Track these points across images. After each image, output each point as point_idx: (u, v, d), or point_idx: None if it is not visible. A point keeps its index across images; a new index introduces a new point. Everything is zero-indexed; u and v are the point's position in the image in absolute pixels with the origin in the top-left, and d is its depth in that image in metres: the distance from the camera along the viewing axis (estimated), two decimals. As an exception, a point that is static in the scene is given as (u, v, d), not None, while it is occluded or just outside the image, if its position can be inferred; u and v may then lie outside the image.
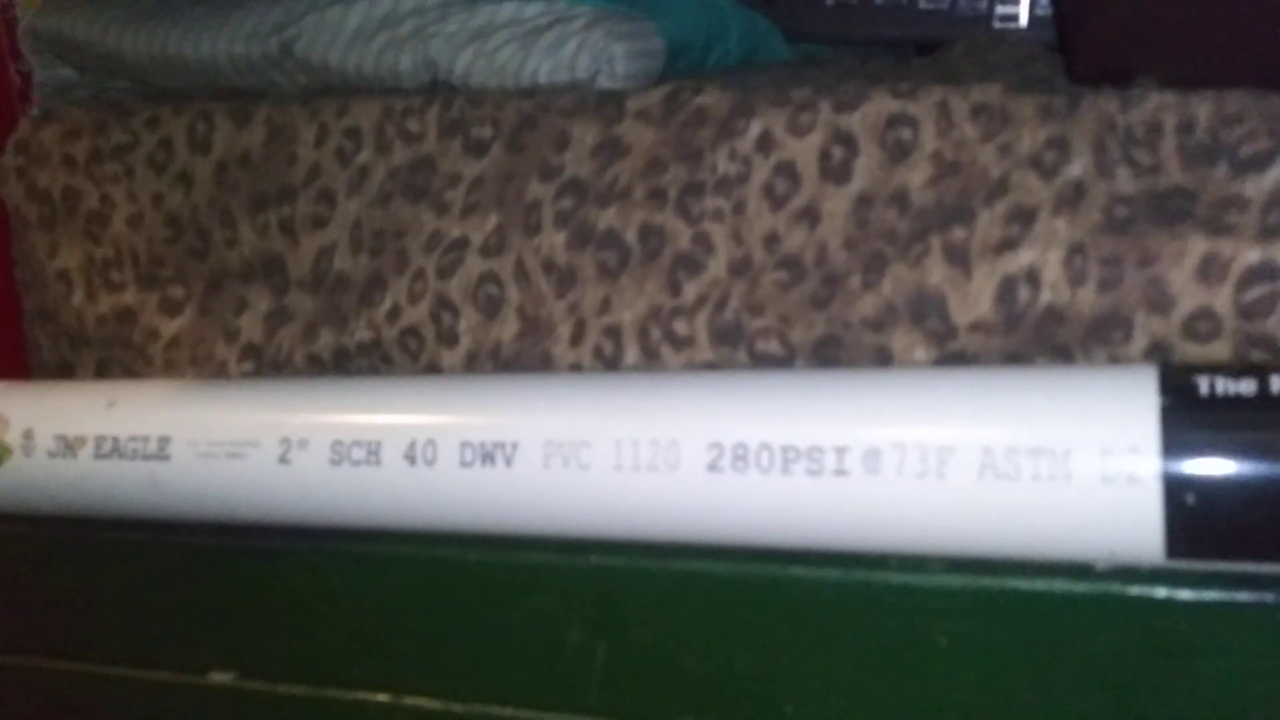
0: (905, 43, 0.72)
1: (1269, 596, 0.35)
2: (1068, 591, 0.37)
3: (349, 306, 0.55)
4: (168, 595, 0.52)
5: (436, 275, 0.53)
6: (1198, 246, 0.41)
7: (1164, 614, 0.36)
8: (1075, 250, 0.43)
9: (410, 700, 0.47)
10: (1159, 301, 0.42)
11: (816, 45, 0.74)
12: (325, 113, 0.56)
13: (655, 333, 0.49)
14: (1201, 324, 0.41)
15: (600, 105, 0.51)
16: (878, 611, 0.40)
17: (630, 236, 0.49)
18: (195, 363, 0.58)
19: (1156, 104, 0.43)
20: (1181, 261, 0.41)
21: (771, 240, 0.47)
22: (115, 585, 0.52)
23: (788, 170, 0.47)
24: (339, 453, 0.45)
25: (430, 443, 0.43)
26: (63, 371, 0.63)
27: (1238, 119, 0.42)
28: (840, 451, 0.38)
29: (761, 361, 0.47)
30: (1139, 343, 0.42)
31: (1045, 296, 0.43)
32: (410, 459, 0.43)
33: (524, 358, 0.51)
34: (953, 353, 0.44)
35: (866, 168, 0.46)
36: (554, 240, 0.51)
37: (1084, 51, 0.48)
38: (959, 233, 0.44)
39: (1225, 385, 0.35)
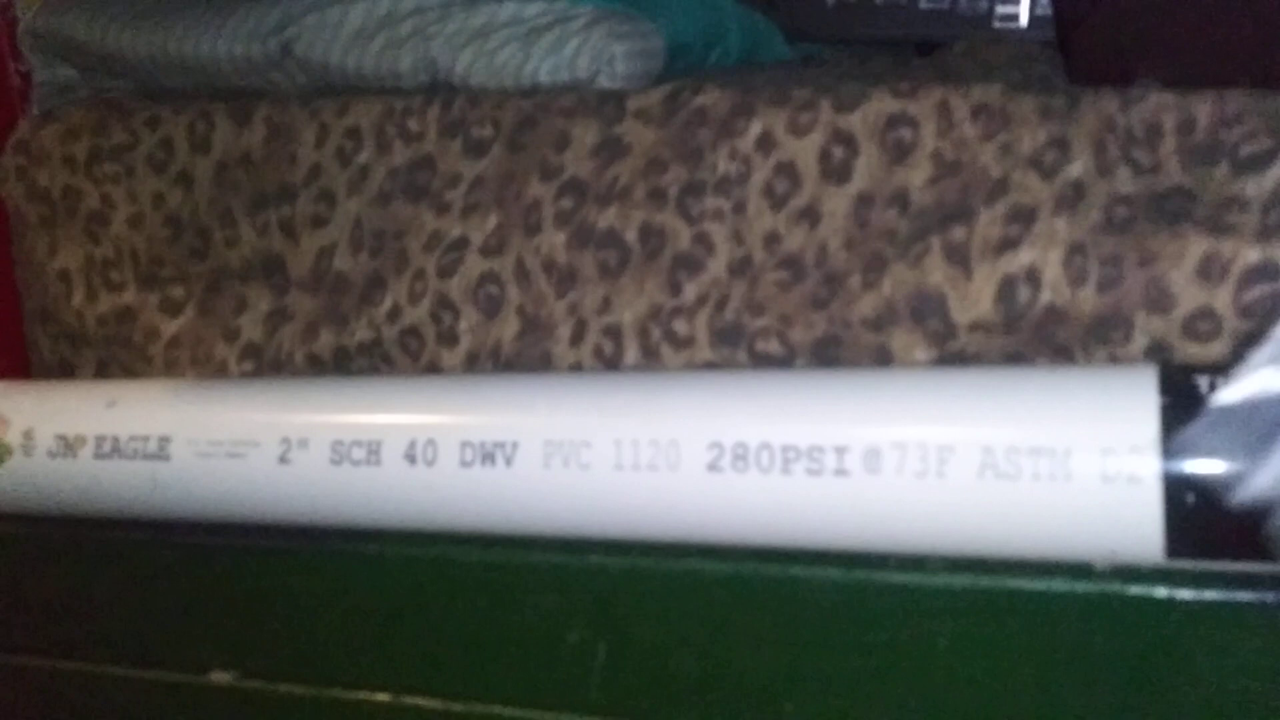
0: (905, 43, 0.72)
1: (1269, 596, 0.35)
2: (1068, 591, 0.37)
3: (349, 306, 0.55)
4: (168, 595, 0.52)
5: (437, 275, 0.53)
6: (1198, 246, 0.41)
7: (1164, 614, 0.36)
8: (1075, 250, 0.43)
9: (410, 700, 0.47)
10: (1159, 301, 0.42)
11: (816, 45, 0.74)
12: (325, 113, 0.56)
13: (655, 332, 0.49)
14: (1201, 324, 0.41)
15: (600, 105, 0.51)
16: (878, 611, 0.40)
17: (630, 236, 0.49)
18: (195, 362, 0.58)
19: (1156, 104, 0.43)
20: (1181, 261, 0.41)
21: (771, 240, 0.47)
22: (115, 585, 0.52)
23: (788, 170, 0.47)
24: (339, 452, 0.45)
25: (430, 442, 0.43)
26: (63, 371, 0.63)
27: (1238, 119, 0.42)
28: (840, 451, 0.38)
29: (761, 361, 0.47)
30: (1139, 343, 0.42)
31: (1045, 296, 0.43)
32: (410, 459, 0.43)
33: (524, 357, 0.51)
34: (953, 353, 0.44)
35: (866, 167, 0.46)
36: (554, 240, 0.51)
37: (1084, 51, 0.48)
38: (959, 232, 0.44)
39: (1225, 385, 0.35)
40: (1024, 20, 0.66)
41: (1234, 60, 0.43)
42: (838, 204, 0.46)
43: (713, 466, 0.40)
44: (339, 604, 0.48)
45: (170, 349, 0.59)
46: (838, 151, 0.46)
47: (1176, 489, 0.35)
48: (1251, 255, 0.41)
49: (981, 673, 0.39)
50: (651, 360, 0.49)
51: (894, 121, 0.46)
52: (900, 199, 0.45)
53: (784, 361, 0.47)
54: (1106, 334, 0.42)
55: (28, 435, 0.50)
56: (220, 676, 0.50)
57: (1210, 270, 0.41)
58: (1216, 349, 0.41)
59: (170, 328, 0.59)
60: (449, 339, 0.52)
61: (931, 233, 0.45)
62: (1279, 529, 0.20)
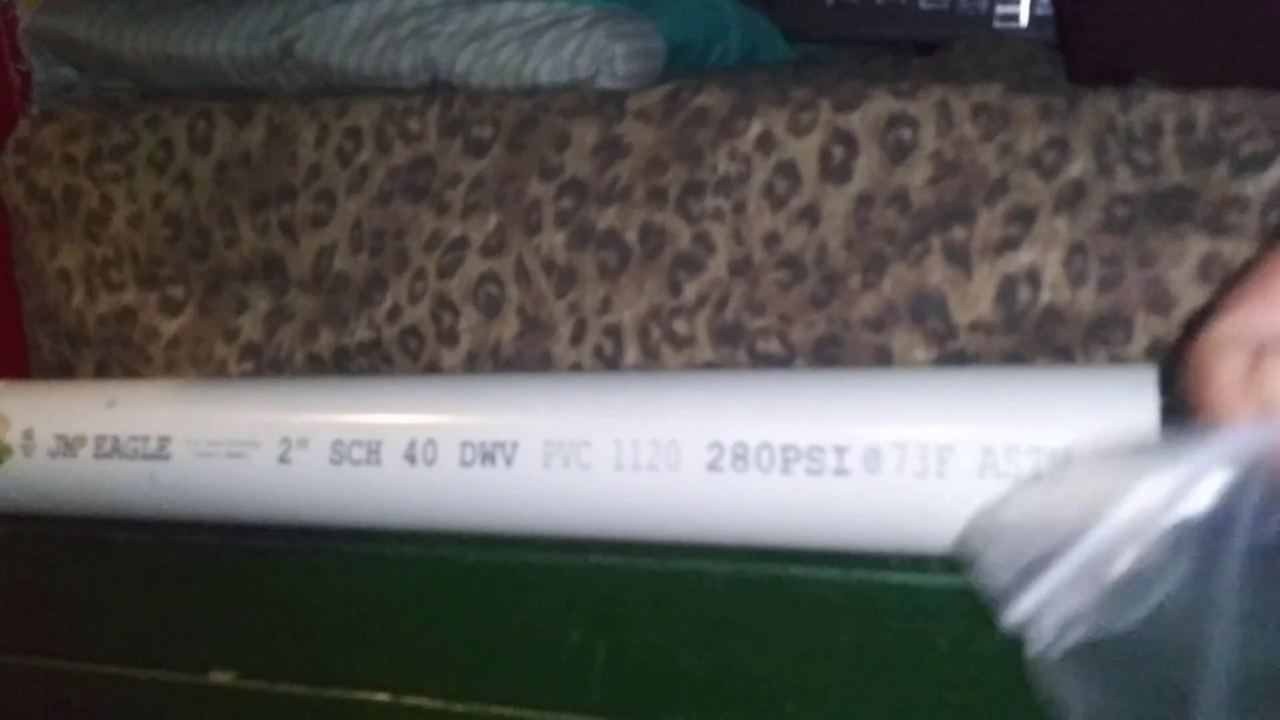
0: (905, 43, 0.72)
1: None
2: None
3: (349, 306, 0.55)
4: (168, 595, 0.52)
5: (437, 275, 0.53)
6: (1198, 246, 0.41)
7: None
8: (1075, 250, 0.43)
9: (410, 700, 0.47)
10: (1159, 301, 0.42)
11: (816, 45, 0.74)
12: (325, 113, 0.56)
13: (655, 332, 0.49)
14: (1202, 324, 0.41)
15: (600, 105, 0.51)
16: (878, 611, 0.40)
17: (630, 236, 0.49)
18: (195, 362, 0.58)
19: (1156, 104, 0.43)
20: (1181, 261, 0.41)
21: (772, 240, 0.47)
22: (115, 585, 0.52)
23: (788, 170, 0.47)
24: (339, 452, 0.45)
25: (430, 442, 0.43)
26: (63, 371, 0.63)
27: (1238, 119, 0.42)
28: (840, 451, 0.38)
29: (762, 361, 0.47)
30: (1139, 343, 0.42)
31: (1045, 296, 0.43)
32: (410, 459, 0.43)
33: (524, 357, 0.51)
34: (953, 352, 0.44)
35: (866, 167, 0.46)
36: (554, 240, 0.51)
37: (1084, 51, 0.48)
38: (959, 232, 0.44)
39: (1225, 385, 0.35)
40: (1024, 20, 0.66)
41: (1234, 60, 0.43)
42: (838, 204, 0.46)
43: (713, 466, 0.40)
44: (339, 604, 0.48)
45: (170, 349, 0.59)
46: (838, 151, 0.46)
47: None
48: (1251, 255, 0.40)
49: (981, 673, 0.39)
50: (651, 360, 0.49)
51: (894, 121, 0.46)
52: (900, 199, 0.45)
53: (784, 361, 0.47)
54: (1106, 334, 0.42)
55: (28, 435, 0.50)
56: (220, 676, 0.50)
57: (1210, 270, 0.41)
58: (1216, 349, 0.41)
59: (170, 328, 0.59)
60: (449, 339, 0.52)
61: (931, 233, 0.45)
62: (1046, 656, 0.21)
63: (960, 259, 0.44)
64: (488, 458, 0.42)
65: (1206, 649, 0.21)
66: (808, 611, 0.41)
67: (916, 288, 0.45)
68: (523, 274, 0.51)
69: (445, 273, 0.52)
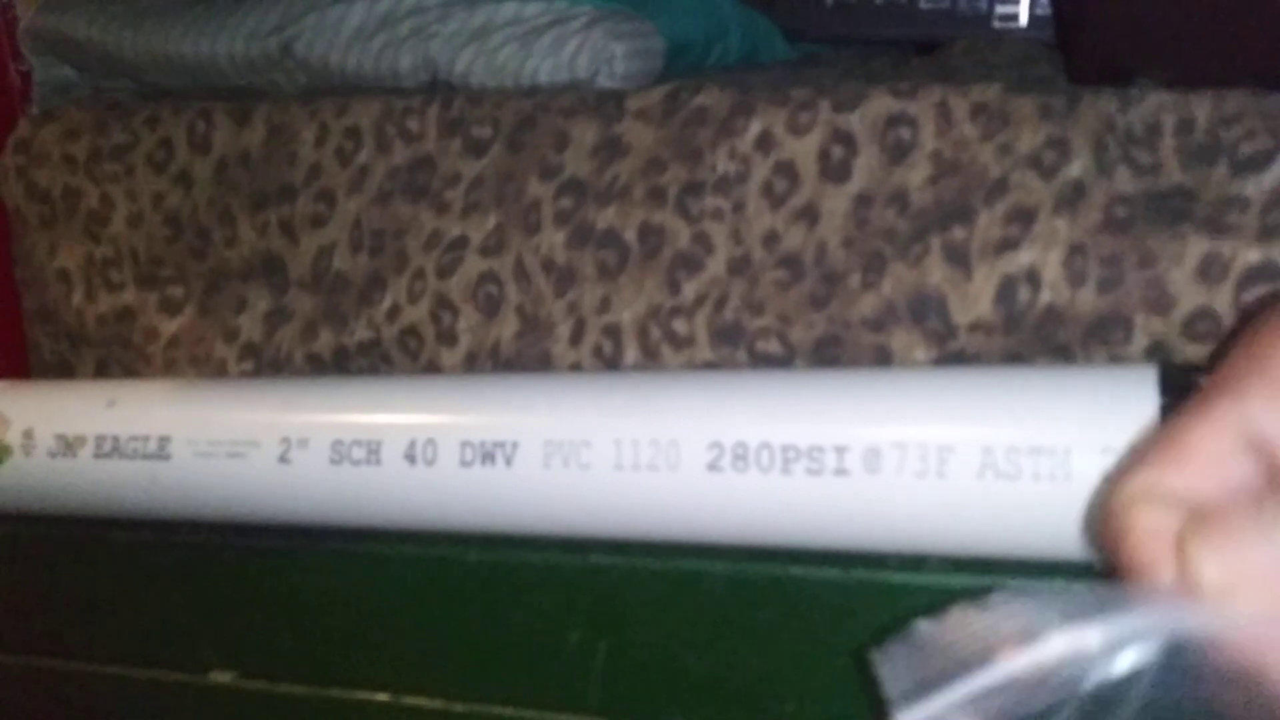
0: (905, 43, 0.72)
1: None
2: (1068, 591, 0.37)
3: (349, 306, 0.55)
4: (168, 595, 0.52)
5: (436, 275, 0.53)
6: (1198, 246, 0.41)
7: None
8: (1075, 250, 0.43)
9: (410, 700, 0.47)
10: (1159, 301, 0.42)
11: (816, 45, 0.74)
12: (325, 112, 0.56)
13: (655, 332, 0.49)
14: (1201, 324, 0.41)
15: (600, 105, 0.51)
16: (878, 611, 0.40)
17: (630, 236, 0.49)
18: (195, 362, 0.58)
19: (1156, 104, 0.43)
20: (1181, 261, 0.41)
21: (771, 239, 0.47)
22: (115, 585, 0.52)
23: (787, 169, 0.47)
24: (339, 452, 0.45)
25: (430, 442, 0.43)
26: (63, 371, 0.63)
27: (1237, 119, 0.42)
28: (840, 451, 0.38)
29: (761, 361, 0.47)
30: (1139, 343, 0.42)
31: (1045, 296, 0.43)
32: (410, 458, 0.43)
33: (524, 357, 0.51)
34: (953, 353, 0.44)
35: (866, 167, 0.46)
36: (553, 239, 0.51)
37: (1084, 51, 0.48)
38: (959, 232, 0.44)
39: (1225, 385, 0.35)
40: (1024, 20, 0.66)
41: (1234, 60, 0.43)
42: (837, 203, 0.46)
43: (713, 466, 0.40)
44: (339, 604, 0.48)
45: (170, 349, 0.59)
46: (837, 151, 0.46)
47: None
48: (1251, 255, 0.41)
49: (981, 673, 0.39)
50: (651, 360, 0.49)
51: (893, 121, 0.46)
52: (900, 199, 0.45)
53: (784, 361, 0.47)
54: (1106, 334, 0.42)
55: (28, 435, 0.50)
56: (220, 676, 0.50)
57: (1210, 270, 0.41)
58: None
59: (170, 327, 0.59)
60: (448, 338, 0.52)
61: (931, 233, 0.45)
62: None
63: (960, 259, 0.44)
64: (488, 458, 0.42)
65: None
66: (808, 611, 0.41)
67: (916, 288, 0.45)
68: (522, 274, 0.51)
69: (445, 272, 0.52)
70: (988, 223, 0.44)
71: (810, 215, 0.47)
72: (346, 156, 0.55)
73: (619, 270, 0.49)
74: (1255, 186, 0.41)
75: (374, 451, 0.44)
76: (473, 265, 0.52)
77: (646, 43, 0.54)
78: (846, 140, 0.46)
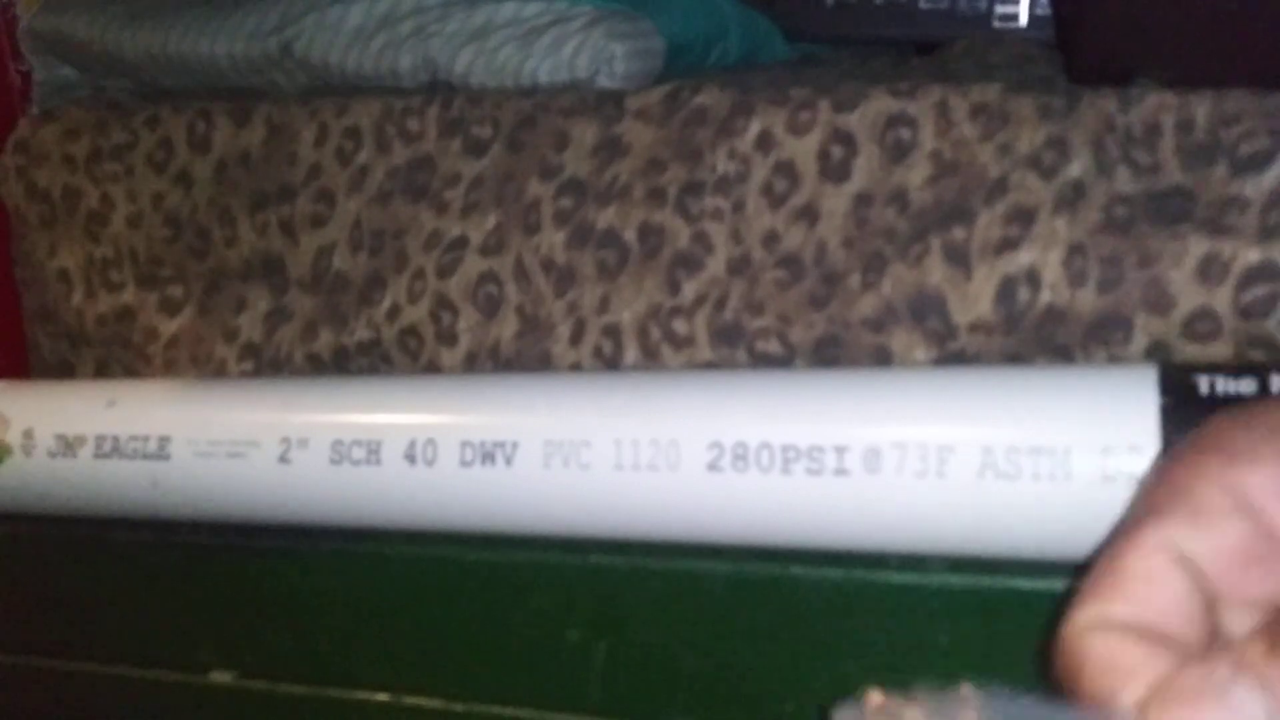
0: (905, 43, 0.72)
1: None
2: (1067, 591, 0.37)
3: (348, 306, 0.55)
4: (168, 595, 0.52)
5: (436, 275, 0.53)
6: (1198, 246, 0.41)
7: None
8: (1075, 250, 0.43)
9: (410, 700, 0.47)
10: (1159, 301, 0.42)
11: (816, 45, 0.74)
12: (325, 112, 0.56)
13: (655, 332, 0.49)
14: (1201, 324, 0.41)
15: (600, 105, 0.51)
16: (878, 611, 0.40)
17: (629, 236, 0.49)
18: (195, 362, 0.58)
19: (1156, 104, 0.43)
20: (1181, 261, 0.41)
21: (771, 239, 0.47)
22: (115, 585, 0.52)
23: (787, 169, 0.47)
24: (339, 452, 0.45)
25: (430, 442, 0.43)
26: (63, 371, 0.63)
27: (1237, 119, 0.42)
28: (840, 451, 0.38)
29: (761, 361, 0.47)
30: (1139, 343, 0.42)
31: (1045, 297, 0.43)
32: (410, 459, 0.43)
33: (524, 357, 0.51)
34: (953, 353, 0.44)
35: (866, 167, 0.46)
36: (553, 239, 0.51)
37: (1084, 51, 0.48)
38: (959, 233, 0.44)
39: (1225, 385, 0.35)
40: (1024, 20, 0.66)
41: (1234, 60, 0.43)
42: (837, 203, 0.46)
43: (713, 466, 0.40)
44: (339, 604, 0.48)
45: (169, 349, 0.59)
46: (837, 151, 0.46)
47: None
48: (1251, 255, 0.41)
49: (981, 673, 0.39)
50: (651, 360, 0.49)
51: (893, 121, 0.46)
52: (899, 199, 0.45)
53: (784, 361, 0.47)
54: (1106, 334, 0.42)
55: (28, 435, 0.50)
56: (220, 676, 0.50)
57: (1210, 270, 0.41)
58: (1216, 349, 0.41)
59: (170, 327, 0.59)
60: (448, 338, 0.52)
61: (931, 233, 0.45)
62: None
63: (960, 259, 0.44)
64: (488, 458, 0.42)
65: None
66: (808, 611, 0.41)
67: (916, 288, 0.45)
68: (522, 274, 0.51)
69: (444, 272, 0.52)
70: (988, 223, 0.44)
71: (810, 215, 0.47)
72: (346, 156, 0.55)
73: (619, 270, 0.49)
74: (1255, 186, 0.41)
75: (374, 451, 0.44)
76: (473, 265, 0.52)
77: (646, 43, 0.54)
78: (846, 140, 0.46)
